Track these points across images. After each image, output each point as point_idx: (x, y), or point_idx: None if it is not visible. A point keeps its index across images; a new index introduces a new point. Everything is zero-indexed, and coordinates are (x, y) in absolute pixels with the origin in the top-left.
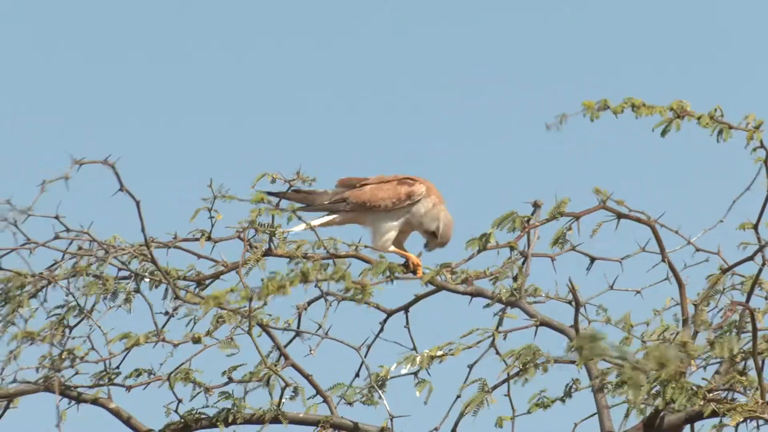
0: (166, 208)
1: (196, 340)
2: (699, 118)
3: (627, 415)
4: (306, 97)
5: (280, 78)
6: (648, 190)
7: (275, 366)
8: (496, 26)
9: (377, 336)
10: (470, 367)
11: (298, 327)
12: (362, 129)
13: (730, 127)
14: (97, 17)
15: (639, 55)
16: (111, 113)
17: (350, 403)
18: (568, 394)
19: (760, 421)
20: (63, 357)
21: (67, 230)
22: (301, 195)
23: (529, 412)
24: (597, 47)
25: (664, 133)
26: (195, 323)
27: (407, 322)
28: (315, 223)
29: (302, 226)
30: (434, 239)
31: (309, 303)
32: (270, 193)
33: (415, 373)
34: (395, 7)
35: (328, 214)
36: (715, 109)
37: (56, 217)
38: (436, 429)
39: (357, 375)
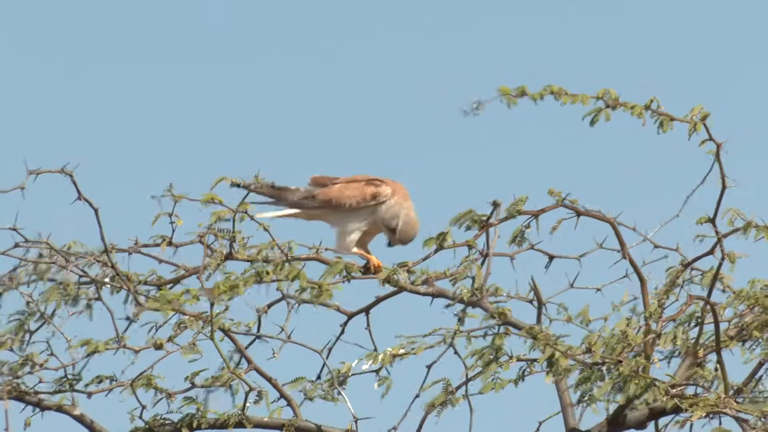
0: (132, 210)
1: (158, 347)
2: (632, 108)
3: (581, 401)
4: (304, 97)
5: (278, 78)
6: (606, 187)
7: (238, 370)
8: (496, 26)
9: (338, 338)
10: (428, 367)
11: (259, 329)
12: (359, 129)
13: (672, 119)
14: (77, 17)
15: (639, 56)
16: (104, 114)
17: (311, 399)
18: (521, 377)
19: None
20: (22, 364)
21: (26, 241)
22: (273, 191)
23: (481, 392)
24: (596, 47)
25: (593, 122)
26: (157, 330)
27: (368, 324)
28: (276, 213)
29: (269, 213)
30: (394, 236)
31: (269, 305)
32: (239, 186)
33: (377, 371)
34: (395, 7)
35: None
36: (651, 101)
37: (14, 229)
38: (394, 428)
39: (318, 377)
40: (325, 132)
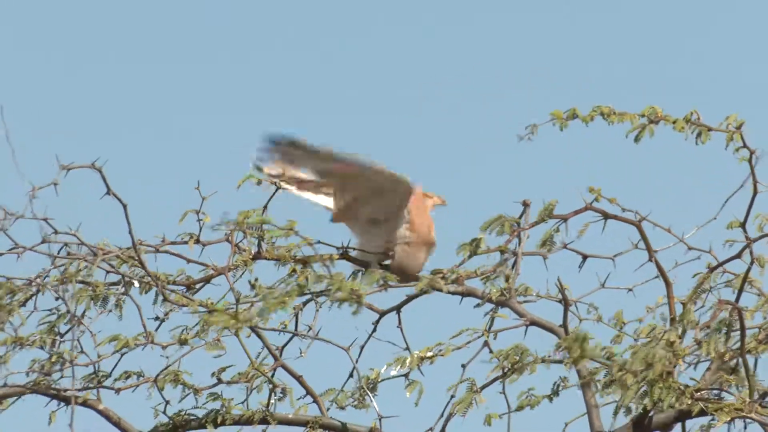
0: (158, 210)
1: (183, 342)
2: (674, 122)
3: (616, 413)
4: (304, 97)
5: (278, 78)
6: (640, 189)
7: (264, 367)
8: (496, 26)
9: (370, 336)
10: (464, 366)
11: (296, 327)
12: (359, 129)
13: (709, 129)
14: (83, 17)
15: (639, 56)
16: (101, 115)
17: (342, 408)
18: (555, 392)
19: (748, 420)
20: (53, 361)
21: (56, 232)
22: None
23: (516, 410)
24: (596, 47)
25: (637, 139)
26: (188, 331)
27: (399, 322)
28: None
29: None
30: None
31: (305, 303)
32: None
33: (406, 375)
34: (395, 7)
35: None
36: (692, 113)
37: (45, 219)
38: (430, 429)
39: (351, 376)
40: (324, 132)
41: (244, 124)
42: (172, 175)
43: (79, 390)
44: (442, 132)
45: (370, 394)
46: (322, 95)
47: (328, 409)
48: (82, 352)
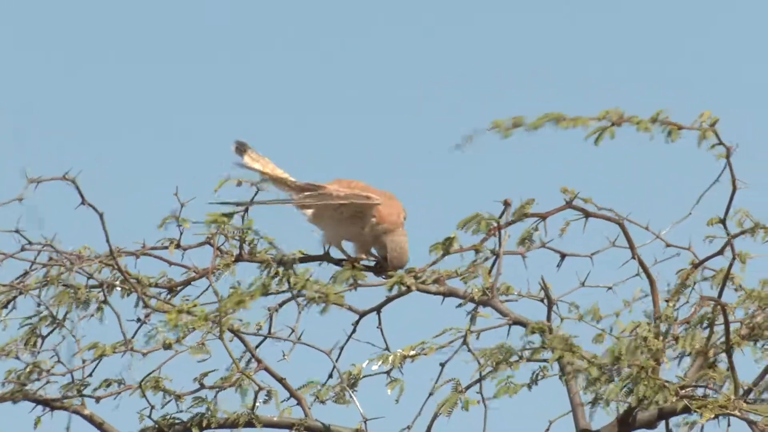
0: (159, 208)
1: (167, 347)
2: (638, 123)
3: (585, 391)
4: (304, 97)
5: (278, 78)
6: (618, 185)
7: (247, 369)
8: (496, 26)
9: (350, 337)
10: (442, 365)
11: (270, 329)
12: (359, 129)
13: (680, 128)
14: (83, 17)
15: (639, 56)
16: (101, 115)
17: (323, 402)
18: (534, 381)
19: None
20: (30, 372)
21: (30, 243)
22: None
23: (495, 396)
24: (596, 47)
25: (597, 141)
26: (160, 327)
27: (380, 323)
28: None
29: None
30: (386, 263)
31: (281, 304)
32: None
33: (388, 372)
34: (395, 7)
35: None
36: (658, 113)
37: (17, 231)
38: (408, 428)
39: (330, 376)
40: (324, 132)
41: (244, 124)
42: (172, 174)
43: (57, 399)
44: (442, 132)
45: (349, 390)
46: (322, 95)
47: (311, 406)
48: (59, 361)
